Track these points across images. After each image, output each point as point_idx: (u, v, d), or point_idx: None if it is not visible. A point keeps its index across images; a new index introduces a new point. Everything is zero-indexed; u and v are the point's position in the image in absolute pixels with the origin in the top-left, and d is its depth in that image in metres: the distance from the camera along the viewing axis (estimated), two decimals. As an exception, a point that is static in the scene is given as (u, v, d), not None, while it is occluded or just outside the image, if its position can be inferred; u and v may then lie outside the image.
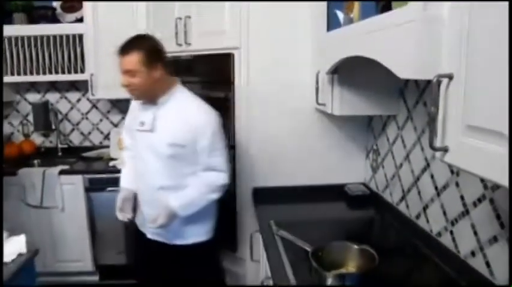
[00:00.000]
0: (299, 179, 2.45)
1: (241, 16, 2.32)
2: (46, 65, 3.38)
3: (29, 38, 3.35)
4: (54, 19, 3.46)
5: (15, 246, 1.86)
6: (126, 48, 1.89)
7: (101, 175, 3.22)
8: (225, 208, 2.56)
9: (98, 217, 3.26)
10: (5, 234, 1.93)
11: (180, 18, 2.62)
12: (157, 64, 1.91)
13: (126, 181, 2.18)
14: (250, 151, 2.44)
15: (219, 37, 2.42)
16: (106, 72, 3.26)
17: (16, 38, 3.36)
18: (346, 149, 2.50)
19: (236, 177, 2.49)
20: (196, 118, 1.93)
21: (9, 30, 3.35)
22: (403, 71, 1.16)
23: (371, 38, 1.35)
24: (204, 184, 1.99)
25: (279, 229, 1.88)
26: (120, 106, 3.75)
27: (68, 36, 3.36)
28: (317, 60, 2.20)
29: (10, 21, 3.41)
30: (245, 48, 2.33)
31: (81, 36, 3.33)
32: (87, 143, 3.85)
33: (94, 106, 3.79)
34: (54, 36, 3.35)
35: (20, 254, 1.82)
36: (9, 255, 1.79)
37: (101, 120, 3.81)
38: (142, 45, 1.90)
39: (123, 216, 2.12)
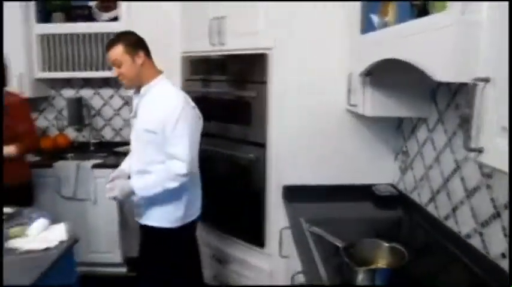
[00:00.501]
0: (328, 178, 2.49)
1: (276, 17, 2.37)
2: (81, 62, 3.50)
3: (65, 36, 3.49)
4: (90, 18, 3.58)
5: (57, 233, 1.95)
6: (111, 43, 2.15)
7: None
8: (254, 204, 2.63)
9: (128, 210, 3.35)
10: (46, 222, 2.03)
11: (214, 19, 2.69)
12: (139, 51, 2.14)
13: (124, 163, 2.40)
14: (281, 149, 2.49)
15: (253, 37, 2.48)
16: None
17: (54, 36, 3.49)
18: (374, 150, 2.53)
19: (266, 175, 2.55)
20: (165, 107, 2.09)
21: (48, 28, 3.50)
22: (440, 74, 1.20)
23: (408, 41, 1.39)
24: (164, 171, 2.11)
25: (310, 225, 1.93)
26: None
27: (102, 35, 3.47)
28: (350, 62, 2.24)
29: (49, 20, 3.55)
30: (279, 48, 2.39)
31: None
32: (118, 139, 3.97)
33: (126, 103, 3.89)
34: (90, 35, 3.47)
35: (61, 242, 1.90)
36: (51, 241, 1.87)
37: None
38: (123, 37, 2.15)
39: (109, 193, 2.24)
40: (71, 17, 3.57)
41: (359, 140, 2.50)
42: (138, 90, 2.23)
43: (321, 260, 1.63)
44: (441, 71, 1.19)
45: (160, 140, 2.09)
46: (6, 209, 2.16)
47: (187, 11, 3.05)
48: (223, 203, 2.89)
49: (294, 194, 2.44)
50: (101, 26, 3.49)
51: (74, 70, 3.52)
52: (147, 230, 2.29)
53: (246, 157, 2.61)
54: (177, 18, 3.14)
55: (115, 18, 3.50)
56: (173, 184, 2.10)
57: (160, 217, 2.24)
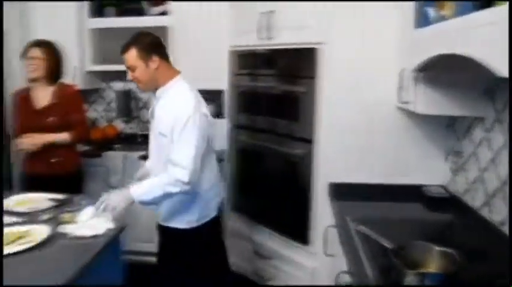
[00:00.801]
0: (376, 176, 2.43)
1: (327, 11, 2.33)
2: (132, 55, 3.57)
3: (116, 30, 3.56)
4: (140, 12, 3.64)
5: (104, 221, 1.98)
6: (125, 47, 2.09)
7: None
8: (299, 200, 2.61)
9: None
10: (94, 210, 2.07)
11: (263, 13, 2.67)
12: (153, 56, 2.06)
13: (148, 162, 2.34)
14: (329, 146, 2.46)
15: (303, 32, 2.45)
16: (186, 63, 3.38)
17: (105, 30, 3.59)
18: (425, 150, 2.44)
19: (313, 171, 2.52)
20: (175, 112, 2.00)
21: (100, 22, 3.61)
22: (505, 69, 1.12)
23: (469, 35, 1.32)
24: (165, 176, 2.02)
25: (357, 224, 1.88)
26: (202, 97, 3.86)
27: (153, 29, 3.51)
28: (402, 58, 2.16)
29: (102, 15, 3.66)
30: (329, 43, 2.35)
31: (165, 29, 3.48)
32: (160, 133, 4.02)
33: (174, 96, 3.94)
34: (140, 29, 3.52)
35: (109, 229, 1.94)
36: (99, 228, 1.91)
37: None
38: (137, 41, 2.08)
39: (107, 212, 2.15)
40: (122, 12, 3.65)
41: (409, 139, 2.42)
42: (154, 91, 2.17)
43: (368, 261, 1.59)
44: (506, 67, 1.12)
45: (170, 143, 2.03)
46: (58, 196, 2.24)
47: (236, 5, 3.05)
48: (268, 198, 2.88)
49: (340, 192, 2.39)
50: (151, 20, 3.54)
51: (123, 63, 3.57)
52: (164, 230, 2.25)
53: (293, 152, 2.59)
54: (226, 12, 3.14)
55: (164, 13, 3.53)
56: (174, 189, 2.00)
57: (176, 218, 2.18)
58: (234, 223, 3.23)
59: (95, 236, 1.86)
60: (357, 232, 1.83)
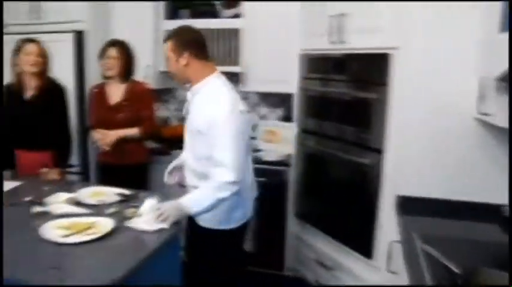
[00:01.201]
0: (448, 192, 2.25)
1: (401, 13, 2.22)
2: (205, 56, 3.64)
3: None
4: (214, 14, 3.70)
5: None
6: (166, 37, 2.12)
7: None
8: (365, 212, 2.50)
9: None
10: (154, 203, 2.12)
11: (335, 16, 2.60)
12: (183, 53, 2.04)
13: (183, 154, 2.32)
14: (399, 156, 2.33)
15: (375, 36, 2.35)
16: (258, 66, 3.40)
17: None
18: (504, 166, 2.22)
19: (381, 182, 2.41)
20: (212, 109, 1.99)
21: (174, 24, 3.63)
22: None
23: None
24: (212, 182, 2.01)
25: (424, 242, 1.76)
26: (268, 100, 3.86)
27: (225, 31, 3.57)
28: (483, 64, 1.99)
29: (177, 17, 3.76)
30: (403, 48, 2.22)
31: (237, 31, 3.51)
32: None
33: (245, 98, 3.96)
34: (213, 30, 3.59)
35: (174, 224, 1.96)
36: (160, 224, 1.94)
37: (248, 112, 3.96)
38: (176, 35, 2.09)
39: (169, 180, 2.26)
40: (196, 14, 3.73)
41: (487, 153, 2.22)
42: (189, 87, 2.18)
43: (433, 284, 1.47)
44: None
45: (207, 140, 2.02)
46: (125, 191, 2.33)
47: (307, 8, 3.01)
48: (333, 207, 2.81)
49: (409, 205, 2.26)
50: (224, 22, 3.58)
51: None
52: (202, 231, 2.18)
53: (361, 161, 2.49)
54: (297, 15, 3.11)
55: (238, 15, 3.56)
56: (224, 193, 2.00)
57: (218, 220, 2.13)
58: (297, 229, 3.19)
59: (156, 231, 1.90)
60: (423, 250, 1.72)
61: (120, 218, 1.99)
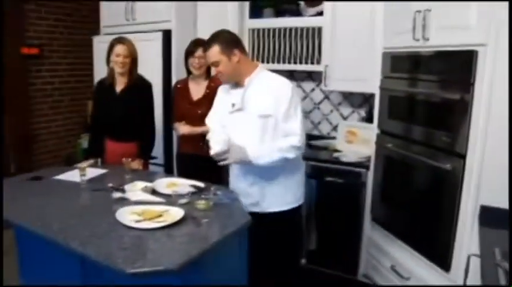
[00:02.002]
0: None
1: (490, 9, 2.02)
2: (287, 55, 3.64)
3: (274, 30, 3.67)
4: (297, 13, 3.68)
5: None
6: (208, 43, 2.30)
7: (323, 164, 3.31)
8: (444, 220, 2.34)
9: (314, 203, 3.37)
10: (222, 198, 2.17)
11: (419, 11, 2.46)
12: (233, 50, 2.26)
13: (218, 145, 2.36)
14: (484, 162, 2.12)
15: (462, 32, 2.17)
16: (340, 64, 3.33)
17: (263, 30, 3.72)
18: None
19: (462, 190, 2.22)
20: (276, 88, 2.27)
21: (258, 23, 3.75)
22: None
23: None
24: (279, 143, 2.25)
25: (504, 260, 1.59)
26: (351, 99, 3.77)
27: (308, 29, 3.53)
28: None
29: (261, 15, 3.80)
30: (492, 45, 2.02)
31: (320, 29, 3.46)
32: (315, 132, 4.00)
33: (326, 97, 3.90)
34: (296, 29, 3.58)
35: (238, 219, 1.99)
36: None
37: (331, 111, 3.89)
38: (218, 38, 2.28)
39: (221, 157, 2.29)
40: (280, 12, 3.75)
41: None
42: (235, 84, 2.37)
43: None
44: None
45: (274, 123, 2.25)
46: (199, 183, 2.41)
47: (391, 4, 2.85)
48: (410, 213, 2.65)
49: (493, 217, 2.04)
50: (306, 21, 3.55)
51: (279, 62, 3.68)
52: (270, 217, 2.36)
53: (442, 166, 2.31)
54: (380, 12, 2.98)
55: (321, 13, 3.50)
56: (290, 154, 2.23)
57: (284, 200, 2.39)
58: (372, 233, 3.07)
59: (223, 222, 1.96)
60: (503, 269, 1.55)
61: (191, 209, 2.05)
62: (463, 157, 2.21)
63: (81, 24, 5.11)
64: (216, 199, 2.17)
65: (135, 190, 2.30)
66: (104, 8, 4.19)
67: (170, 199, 2.21)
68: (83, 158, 4.80)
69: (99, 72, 4.08)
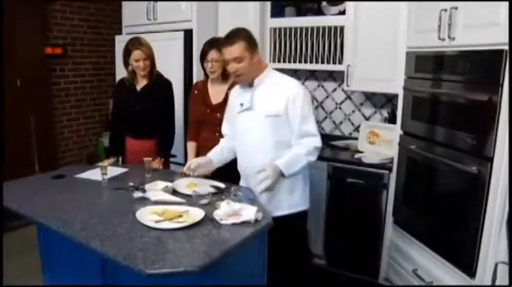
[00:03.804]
0: None
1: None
2: (308, 54, 3.60)
3: (295, 29, 3.63)
4: (319, 12, 3.65)
5: (248, 213, 1.99)
6: (231, 39, 2.25)
7: (344, 165, 3.26)
8: (470, 225, 2.28)
9: (335, 204, 3.33)
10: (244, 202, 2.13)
11: (445, 10, 2.39)
12: (255, 49, 2.29)
13: (212, 153, 2.54)
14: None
15: (490, 31, 2.10)
16: (362, 64, 3.28)
17: (285, 29, 3.69)
18: None
19: (490, 194, 2.15)
20: (286, 89, 2.27)
21: (279, 22, 3.72)
22: None
23: None
24: (302, 147, 2.27)
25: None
26: (374, 100, 3.71)
27: (329, 28, 3.48)
28: None
29: (282, 15, 3.77)
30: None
31: (342, 28, 3.41)
32: (337, 132, 3.96)
33: (348, 97, 3.85)
34: (318, 28, 3.53)
35: (257, 220, 1.95)
36: (244, 217, 1.94)
37: (353, 111, 3.84)
38: (243, 35, 2.27)
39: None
40: (301, 11, 3.71)
41: None
42: (247, 84, 2.37)
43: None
44: None
45: (284, 122, 2.27)
46: (219, 184, 2.39)
47: (415, 2, 2.78)
48: (434, 217, 2.60)
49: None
50: (328, 20, 3.51)
51: (300, 62, 3.64)
52: (283, 220, 2.28)
53: (468, 169, 2.24)
54: (404, 11, 2.91)
55: (343, 12, 3.46)
56: (313, 158, 2.30)
57: (290, 203, 2.39)
58: (394, 237, 3.02)
59: (242, 223, 1.92)
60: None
61: (211, 209, 2.03)
62: (490, 159, 2.14)
63: (104, 24, 5.20)
64: (236, 199, 2.15)
65: (156, 189, 2.29)
66: (126, 8, 4.22)
67: (191, 200, 2.20)
68: (104, 157, 4.90)
69: (121, 71, 4.12)
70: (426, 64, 2.65)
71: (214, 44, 2.80)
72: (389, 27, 3.07)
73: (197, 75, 3.63)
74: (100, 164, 2.62)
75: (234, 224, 1.91)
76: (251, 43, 2.28)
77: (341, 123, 3.94)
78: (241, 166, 2.49)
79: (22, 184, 2.52)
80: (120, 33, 4.38)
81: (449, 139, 2.44)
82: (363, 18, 3.24)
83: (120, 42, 4.12)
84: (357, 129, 3.80)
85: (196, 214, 1.97)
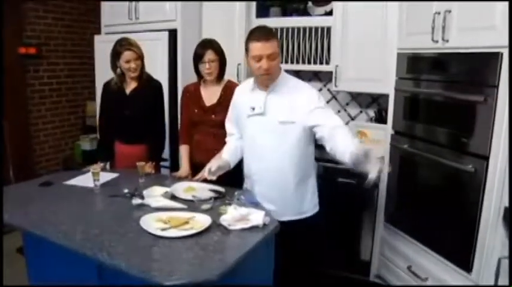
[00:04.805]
0: None
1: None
2: (295, 55, 3.58)
3: (281, 29, 3.60)
4: (305, 12, 3.63)
5: (256, 218, 1.96)
6: (268, 35, 2.17)
7: (334, 165, 3.19)
8: (465, 221, 2.34)
9: (326, 204, 3.32)
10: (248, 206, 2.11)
11: (439, 13, 2.44)
12: (279, 50, 2.29)
13: (227, 154, 2.47)
14: (507, 164, 2.13)
15: (485, 33, 2.16)
16: (350, 64, 3.29)
17: (270, 30, 3.65)
18: None
19: (485, 191, 2.23)
20: (302, 97, 2.22)
21: (264, 22, 3.62)
22: None
23: None
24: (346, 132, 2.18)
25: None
26: (359, 100, 3.75)
27: (316, 29, 3.48)
28: None
29: (267, 15, 3.73)
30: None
31: (328, 29, 3.41)
32: (322, 132, 3.97)
33: (334, 97, 3.87)
34: (304, 28, 3.52)
35: (265, 225, 1.93)
36: (252, 222, 1.91)
37: (338, 111, 3.84)
38: (275, 33, 2.28)
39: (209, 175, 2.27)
40: (287, 12, 3.69)
41: None
42: (256, 87, 2.33)
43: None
44: None
45: (296, 129, 2.22)
46: (219, 188, 2.35)
47: (407, 4, 2.83)
48: (428, 213, 2.65)
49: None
50: (314, 20, 3.50)
51: (286, 62, 3.62)
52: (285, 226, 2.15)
53: (464, 168, 2.31)
54: (395, 12, 2.95)
55: (329, 13, 3.45)
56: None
57: (311, 205, 2.40)
58: (386, 235, 3.06)
59: (251, 228, 1.89)
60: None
61: (215, 215, 1.99)
62: (486, 158, 2.21)
63: (79, 23, 5.03)
64: (240, 203, 2.12)
65: (155, 195, 2.23)
66: (105, 7, 4.09)
67: (192, 205, 2.15)
68: (81, 161, 4.76)
69: (101, 72, 4.01)
70: (420, 65, 2.69)
71: (209, 44, 2.75)
72: (378, 28, 3.09)
73: (182, 76, 3.58)
74: (92, 170, 2.51)
75: (242, 230, 1.88)
76: (279, 43, 2.28)
77: (325, 122, 3.94)
78: (250, 170, 2.42)
79: (8, 193, 2.39)
80: (96, 32, 4.26)
81: (444, 138, 2.50)
82: (351, 19, 3.24)
83: (100, 42, 4.01)
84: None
85: (202, 220, 1.93)
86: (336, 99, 3.86)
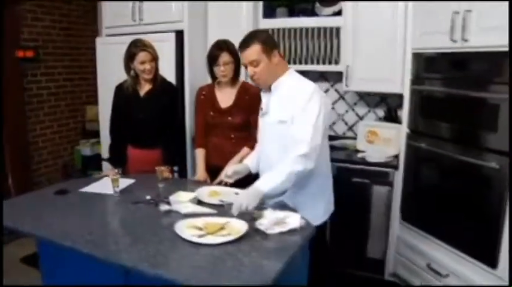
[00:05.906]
0: None
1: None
2: (303, 55, 3.57)
3: (289, 30, 3.59)
4: (312, 13, 3.62)
5: (292, 221, 1.95)
6: (246, 42, 2.16)
7: (348, 165, 3.25)
8: (489, 218, 2.36)
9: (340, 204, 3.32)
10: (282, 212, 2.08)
11: (457, 13, 2.45)
12: (273, 51, 2.16)
13: (249, 159, 2.48)
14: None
15: (505, 32, 2.17)
16: (361, 64, 3.30)
17: (278, 30, 3.63)
18: None
19: (510, 187, 2.24)
20: (297, 95, 2.14)
21: (272, 23, 3.66)
22: None
23: None
24: (287, 158, 2.06)
25: None
26: (367, 99, 3.76)
27: (325, 29, 3.47)
28: None
29: (274, 15, 3.71)
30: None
31: (337, 29, 3.41)
32: (330, 133, 3.94)
33: (341, 97, 3.87)
34: (312, 29, 3.51)
35: (302, 228, 1.92)
36: (289, 225, 1.91)
37: (346, 111, 3.87)
38: (258, 37, 2.16)
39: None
40: (294, 12, 3.68)
41: None
42: (268, 88, 2.27)
43: None
44: None
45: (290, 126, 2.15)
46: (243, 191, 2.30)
47: (422, 4, 2.82)
48: (449, 211, 2.66)
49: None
50: (322, 21, 3.49)
51: (295, 63, 3.60)
52: None
53: (488, 165, 2.33)
54: (409, 11, 2.95)
55: (338, 13, 3.46)
56: (297, 167, 2.03)
57: (314, 214, 2.22)
58: (403, 233, 3.07)
59: (289, 232, 1.87)
60: None
61: (247, 218, 1.96)
62: (509, 155, 2.23)
63: (77, 25, 4.93)
64: (269, 206, 2.10)
65: (182, 201, 2.19)
66: (106, 8, 4.02)
67: (221, 209, 2.12)
68: (81, 166, 4.67)
69: (103, 75, 3.94)
70: (438, 64, 2.70)
71: (224, 46, 2.72)
72: (389, 28, 3.10)
73: (190, 77, 3.54)
74: (111, 176, 2.45)
75: (281, 233, 1.86)
76: (268, 45, 2.15)
77: (334, 123, 3.94)
78: (261, 171, 2.40)
79: (24, 203, 2.34)
80: (95, 35, 4.19)
81: (466, 137, 2.52)
82: (361, 19, 3.24)
83: (101, 44, 3.94)
84: (350, 128, 3.85)
85: (238, 225, 1.90)
86: (343, 99, 3.86)
